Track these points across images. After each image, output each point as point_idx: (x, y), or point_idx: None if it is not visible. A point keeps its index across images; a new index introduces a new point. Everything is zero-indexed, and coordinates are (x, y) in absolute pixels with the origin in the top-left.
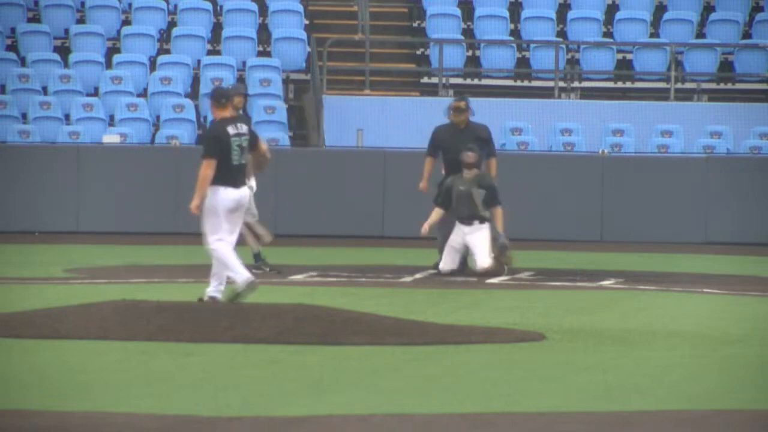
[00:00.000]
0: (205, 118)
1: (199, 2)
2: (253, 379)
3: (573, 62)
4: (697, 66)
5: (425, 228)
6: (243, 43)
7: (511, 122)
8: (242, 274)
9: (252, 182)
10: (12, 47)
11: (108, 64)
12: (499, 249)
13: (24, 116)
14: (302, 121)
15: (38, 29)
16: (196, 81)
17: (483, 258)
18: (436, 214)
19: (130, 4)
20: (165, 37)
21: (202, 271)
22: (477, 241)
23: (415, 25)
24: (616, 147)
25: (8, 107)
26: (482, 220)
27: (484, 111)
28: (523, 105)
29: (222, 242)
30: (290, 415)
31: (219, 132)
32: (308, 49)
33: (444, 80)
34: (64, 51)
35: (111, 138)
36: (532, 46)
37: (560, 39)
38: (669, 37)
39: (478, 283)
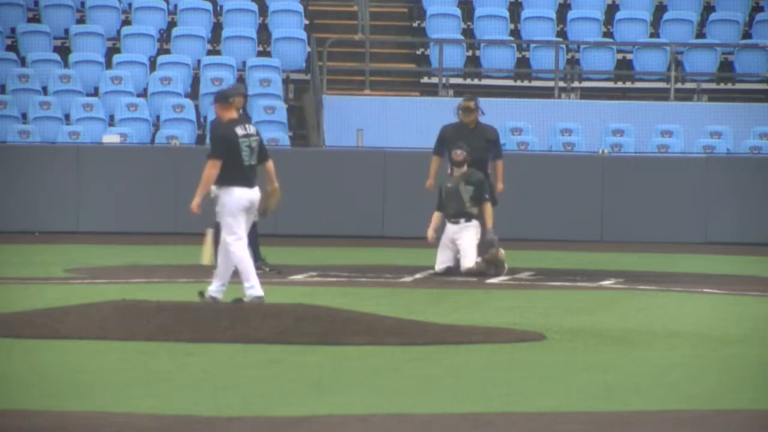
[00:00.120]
0: (205, 118)
1: (199, 2)
2: (253, 379)
3: (573, 62)
4: (697, 66)
5: (430, 235)
6: (243, 43)
7: (511, 122)
8: (256, 289)
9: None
10: (12, 47)
11: (108, 64)
12: (485, 247)
13: (24, 116)
14: (302, 121)
15: (38, 29)
16: (196, 81)
17: (468, 259)
18: (437, 218)
19: (130, 4)
20: (165, 37)
21: (202, 271)
22: (464, 241)
23: (415, 25)
24: (616, 147)
25: (8, 107)
26: (469, 218)
27: (484, 111)
28: (523, 105)
29: (241, 242)
30: (290, 415)
31: (228, 133)
32: (308, 49)
33: (444, 80)
34: (64, 51)
35: (111, 138)
36: (532, 46)
37: (560, 39)
38: (669, 37)
39: (478, 283)
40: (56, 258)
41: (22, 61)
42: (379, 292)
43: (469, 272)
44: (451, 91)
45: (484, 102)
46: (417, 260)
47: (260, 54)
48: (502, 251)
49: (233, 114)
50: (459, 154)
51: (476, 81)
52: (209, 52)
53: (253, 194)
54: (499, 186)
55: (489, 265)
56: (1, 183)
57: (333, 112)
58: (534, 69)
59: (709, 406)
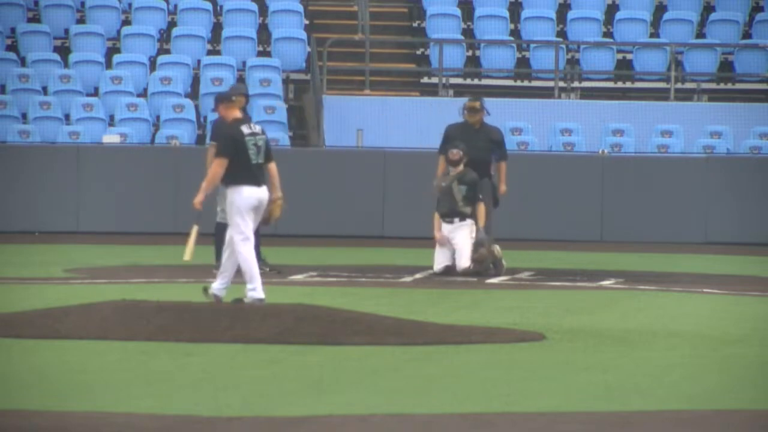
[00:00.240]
0: (205, 118)
1: (199, 2)
2: (253, 379)
3: (573, 62)
4: (697, 66)
5: (439, 235)
6: (243, 43)
7: (511, 122)
8: (258, 292)
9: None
10: (12, 47)
11: (108, 64)
12: (475, 247)
13: (24, 116)
14: (302, 121)
15: (38, 29)
16: (196, 81)
17: (464, 258)
18: (438, 218)
19: (130, 4)
20: (165, 37)
21: (202, 271)
22: (459, 241)
23: (415, 25)
24: (616, 147)
25: (8, 107)
26: (463, 217)
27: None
28: (523, 105)
29: (248, 243)
30: (290, 415)
31: (234, 132)
32: (308, 49)
33: (444, 80)
34: (64, 51)
35: (111, 138)
36: (532, 46)
37: (560, 39)
38: (669, 37)
39: (478, 283)
40: (56, 258)
41: (22, 61)
42: (379, 292)
43: (466, 272)
44: (451, 91)
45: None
46: (417, 260)
47: (260, 54)
48: (497, 248)
49: (237, 113)
50: (455, 153)
51: (476, 81)
52: (209, 52)
53: (261, 193)
54: (502, 188)
55: (478, 264)
56: (1, 183)
57: (333, 112)
58: (534, 69)
59: (709, 406)
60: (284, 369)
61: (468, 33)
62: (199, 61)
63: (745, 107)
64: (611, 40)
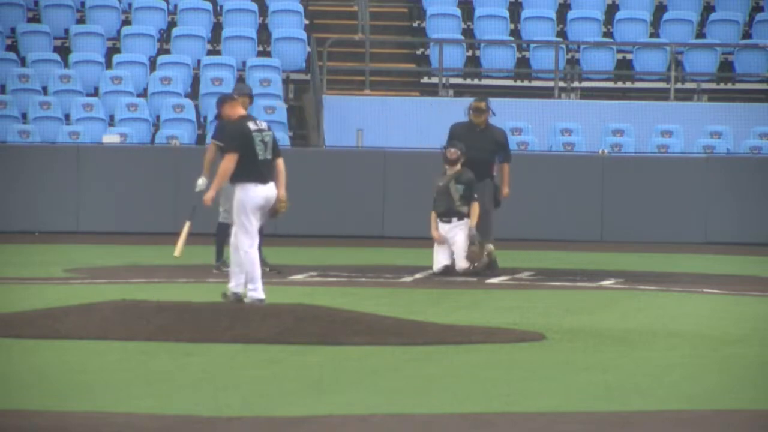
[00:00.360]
0: (205, 118)
1: (199, 2)
2: (253, 379)
3: (573, 62)
4: (697, 66)
5: (437, 234)
6: (243, 43)
7: (511, 122)
8: (259, 292)
9: (201, 180)
10: (12, 47)
11: (108, 64)
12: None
13: (24, 116)
14: (302, 121)
15: (38, 29)
16: (196, 81)
17: (463, 259)
18: (435, 217)
19: (130, 4)
20: (165, 37)
21: (202, 271)
22: (458, 241)
23: (415, 25)
24: (616, 147)
25: (8, 107)
26: (461, 216)
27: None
28: (523, 105)
29: (253, 243)
30: (290, 415)
31: (241, 128)
32: (308, 49)
33: (444, 80)
34: (64, 51)
35: (111, 138)
36: (532, 46)
37: (560, 39)
38: (669, 37)
39: (478, 283)
40: (56, 258)
41: (22, 61)
42: (379, 292)
43: (465, 272)
44: (451, 91)
45: None
46: (417, 260)
47: (260, 54)
48: (490, 247)
49: (242, 110)
50: (453, 152)
51: (476, 81)
52: (209, 52)
53: (268, 191)
54: (505, 190)
55: (471, 262)
56: (1, 183)
57: (333, 112)
58: (534, 69)
59: (709, 406)
60: (284, 369)
61: (468, 33)
62: (199, 61)
63: (745, 107)
64: (611, 40)
